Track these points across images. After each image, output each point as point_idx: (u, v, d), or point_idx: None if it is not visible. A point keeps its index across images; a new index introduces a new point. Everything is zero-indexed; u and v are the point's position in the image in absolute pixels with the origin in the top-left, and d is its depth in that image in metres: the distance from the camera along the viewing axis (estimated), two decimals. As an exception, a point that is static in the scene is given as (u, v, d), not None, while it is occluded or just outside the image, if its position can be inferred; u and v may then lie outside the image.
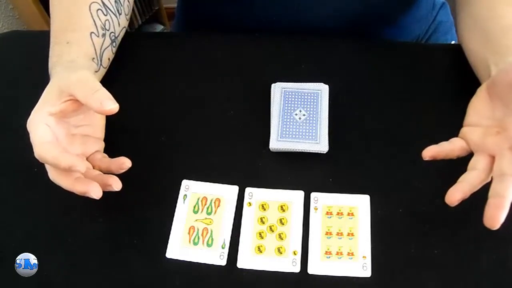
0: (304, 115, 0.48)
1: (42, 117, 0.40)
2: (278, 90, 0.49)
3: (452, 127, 0.49)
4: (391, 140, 0.48)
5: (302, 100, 0.49)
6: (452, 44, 0.71)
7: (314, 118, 0.48)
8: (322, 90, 0.49)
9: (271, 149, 0.47)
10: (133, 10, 1.45)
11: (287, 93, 0.49)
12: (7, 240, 0.44)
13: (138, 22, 1.51)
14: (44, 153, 0.39)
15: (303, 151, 0.46)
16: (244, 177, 0.46)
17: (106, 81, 0.56)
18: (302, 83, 0.50)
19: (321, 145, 0.46)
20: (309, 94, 0.49)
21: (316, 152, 0.46)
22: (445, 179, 0.45)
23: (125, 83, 0.55)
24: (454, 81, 0.53)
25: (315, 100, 0.49)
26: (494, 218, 0.34)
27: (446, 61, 0.54)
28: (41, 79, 0.57)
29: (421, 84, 0.52)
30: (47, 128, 0.40)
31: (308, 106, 0.48)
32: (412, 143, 0.48)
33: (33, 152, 0.49)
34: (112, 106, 0.39)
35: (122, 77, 0.55)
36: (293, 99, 0.49)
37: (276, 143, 0.46)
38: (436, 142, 0.47)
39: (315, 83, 0.49)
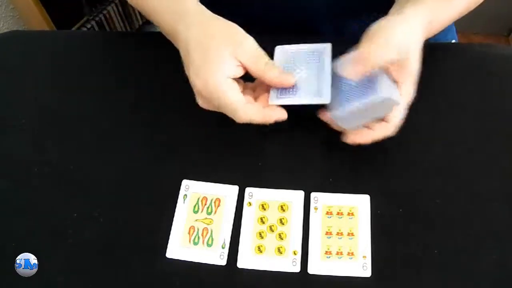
0: (305, 73, 0.46)
1: (224, 80, 0.41)
2: (279, 52, 0.48)
3: (451, 126, 0.49)
4: (390, 140, 0.48)
5: (304, 59, 0.47)
6: (452, 43, 0.71)
7: (315, 74, 0.46)
8: (325, 48, 0.47)
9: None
10: (133, 10, 1.46)
11: (287, 53, 0.48)
12: (7, 240, 0.44)
13: (138, 22, 1.51)
14: (251, 115, 0.42)
15: (303, 104, 0.44)
16: (244, 177, 0.46)
17: (107, 81, 0.56)
18: (304, 44, 0.48)
19: (323, 98, 0.44)
20: (311, 53, 0.47)
21: (317, 104, 0.44)
22: (445, 179, 0.45)
23: (125, 83, 0.55)
24: (453, 80, 0.53)
25: (316, 59, 0.47)
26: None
27: (446, 60, 0.54)
28: (41, 79, 0.57)
29: (421, 83, 0.52)
30: (237, 89, 0.42)
31: (310, 64, 0.47)
32: (412, 143, 0.48)
33: (32, 152, 0.49)
34: (288, 79, 0.43)
35: (122, 77, 0.56)
36: (294, 59, 0.47)
37: (276, 100, 0.44)
38: (435, 141, 0.48)
39: (317, 44, 0.48)
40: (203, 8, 0.46)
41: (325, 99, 0.43)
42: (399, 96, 0.42)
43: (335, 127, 0.45)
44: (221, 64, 0.41)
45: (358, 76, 0.41)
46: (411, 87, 0.42)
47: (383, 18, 0.43)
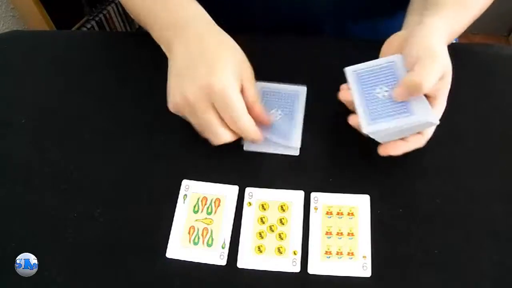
0: (280, 114, 0.49)
1: (238, 84, 0.42)
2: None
3: (451, 126, 0.49)
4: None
5: (279, 100, 0.50)
6: (453, 43, 0.71)
7: (287, 118, 0.49)
8: (299, 91, 0.50)
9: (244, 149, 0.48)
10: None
11: (266, 93, 0.50)
12: (7, 240, 0.44)
13: (138, 22, 1.51)
14: (250, 124, 0.43)
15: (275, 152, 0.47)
16: (244, 177, 0.46)
17: (107, 81, 0.56)
18: (281, 84, 0.51)
19: (292, 142, 0.47)
20: (286, 95, 0.50)
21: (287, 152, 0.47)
22: (445, 179, 0.45)
23: (125, 83, 0.55)
24: (453, 80, 0.53)
25: (292, 101, 0.49)
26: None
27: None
28: (41, 79, 0.57)
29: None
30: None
31: (285, 106, 0.50)
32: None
33: (32, 152, 0.49)
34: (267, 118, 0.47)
35: (122, 77, 0.56)
36: (271, 100, 0.50)
37: (250, 145, 0.48)
38: (435, 141, 0.47)
39: (293, 85, 0.51)
40: (205, 17, 0.47)
41: (294, 149, 0.46)
42: (435, 117, 0.41)
43: (364, 134, 0.44)
44: (234, 70, 0.42)
45: (407, 98, 0.41)
46: (444, 103, 0.43)
47: (410, 31, 0.43)
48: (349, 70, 0.45)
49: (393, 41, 0.45)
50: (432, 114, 0.40)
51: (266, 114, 0.46)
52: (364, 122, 0.41)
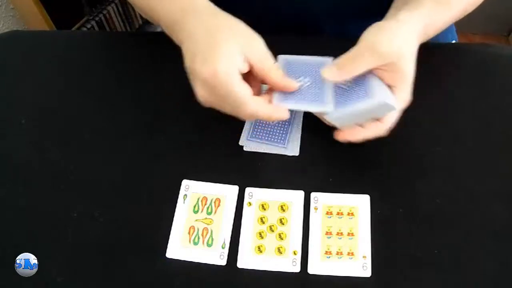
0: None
1: (234, 70, 0.40)
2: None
3: (451, 126, 0.49)
4: (391, 140, 0.48)
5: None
6: (453, 43, 0.71)
7: (287, 123, 0.49)
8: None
9: (244, 149, 0.48)
10: (133, 10, 1.46)
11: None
12: (7, 240, 0.44)
13: (138, 22, 1.51)
14: (258, 108, 0.41)
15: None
16: (244, 177, 0.46)
17: (107, 81, 0.56)
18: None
19: (288, 151, 0.47)
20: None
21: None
22: (445, 179, 0.45)
23: (125, 83, 0.55)
24: (453, 80, 0.53)
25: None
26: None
27: (446, 60, 0.54)
28: (41, 79, 0.57)
29: (421, 83, 0.52)
30: (244, 81, 0.41)
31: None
32: (412, 143, 0.48)
33: (32, 152, 0.49)
34: (290, 84, 0.43)
35: (122, 77, 0.56)
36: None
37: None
38: (435, 141, 0.48)
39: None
40: (212, 5, 0.46)
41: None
42: (394, 101, 0.41)
43: (326, 122, 0.45)
44: (231, 55, 0.41)
45: (340, 80, 0.42)
46: (407, 92, 0.42)
47: (377, 22, 0.43)
48: (281, 57, 0.46)
49: (362, 35, 0.45)
50: (381, 95, 0.40)
51: (287, 81, 0.43)
52: (275, 99, 0.43)
